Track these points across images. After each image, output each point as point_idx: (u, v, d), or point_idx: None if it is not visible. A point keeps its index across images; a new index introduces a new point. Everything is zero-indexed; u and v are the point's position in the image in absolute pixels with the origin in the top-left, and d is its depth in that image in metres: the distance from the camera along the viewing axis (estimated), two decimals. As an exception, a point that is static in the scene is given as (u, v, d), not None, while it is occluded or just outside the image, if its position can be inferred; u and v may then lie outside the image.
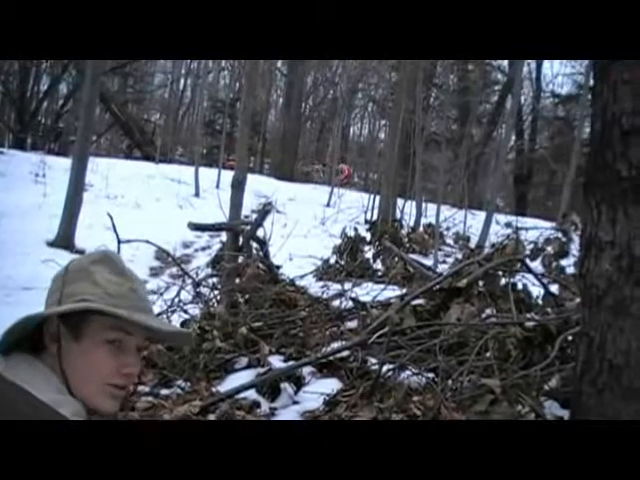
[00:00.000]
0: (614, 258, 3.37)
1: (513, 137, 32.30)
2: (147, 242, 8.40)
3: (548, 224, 17.93)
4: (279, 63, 42.38)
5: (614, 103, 3.32)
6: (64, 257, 10.82)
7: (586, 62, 26.93)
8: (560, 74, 39.90)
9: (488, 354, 4.91)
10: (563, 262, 10.65)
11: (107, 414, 1.57)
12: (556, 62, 38.36)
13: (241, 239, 8.14)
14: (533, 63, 35.50)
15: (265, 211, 8.63)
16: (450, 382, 4.62)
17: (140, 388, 5.16)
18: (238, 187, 8.55)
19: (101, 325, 1.51)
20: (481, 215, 20.15)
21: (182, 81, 45.69)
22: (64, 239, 12.37)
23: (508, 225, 20.20)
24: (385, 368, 4.93)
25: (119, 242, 7.30)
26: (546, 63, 37.36)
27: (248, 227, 8.33)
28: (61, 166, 18.23)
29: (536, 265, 10.31)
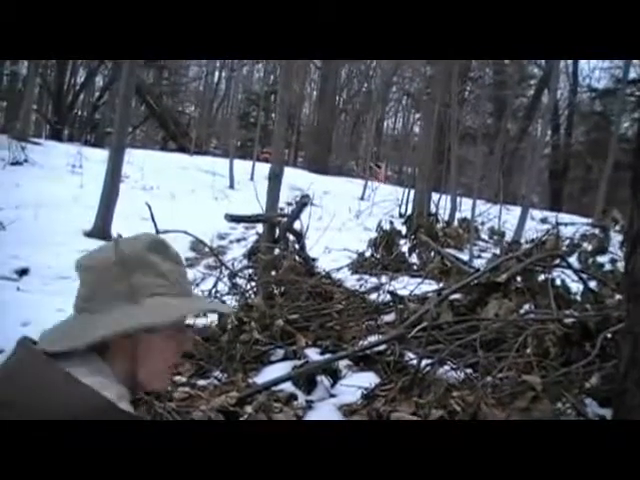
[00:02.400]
0: (661, 255, 3.32)
1: (549, 132, 32.00)
2: (185, 233, 8.44)
3: (583, 220, 17.77)
4: (313, 56, 42.41)
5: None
6: (101, 247, 10.94)
7: (624, 56, 26.53)
8: (597, 68, 39.47)
9: (528, 351, 4.86)
10: (600, 259, 10.54)
11: (162, 390, 1.63)
12: (593, 56, 37.91)
13: (277, 231, 8.15)
14: (570, 57, 35.15)
15: (302, 203, 8.63)
16: (490, 378, 4.59)
17: (177, 378, 5.18)
18: (275, 179, 8.56)
19: None
20: (516, 210, 19.99)
21: (217, 74, 45.90)
22: (101, 230, 12.46)
23: (544, 221, 20.07)
24: (423, 363, 4.90)
25: (157, 232, 7.33)
26: (583, 57, 36.95)
27: (285, 219, 8.34)
28: (97, 157, 18.40)
29: (572, 261, 10.22)
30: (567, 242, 11.60)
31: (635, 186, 3.53)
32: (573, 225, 12.18)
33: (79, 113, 37.97)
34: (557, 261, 6.69)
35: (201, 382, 5.29)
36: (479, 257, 14.00)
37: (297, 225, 8.32)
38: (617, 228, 11.14)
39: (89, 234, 12.38)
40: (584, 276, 6.53)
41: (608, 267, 9.61)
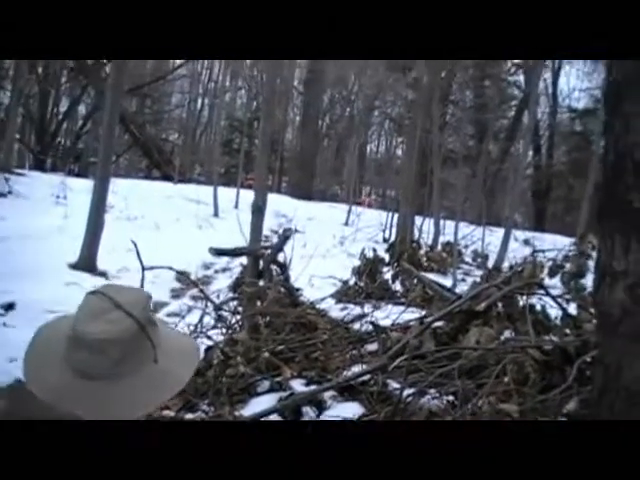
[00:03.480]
0: (628, 287, 3.43)
1: (530, 153, 32.30)
2: (170, 269, 8.51)
3: (567, 240, 17.96)
4: (296, 81, 42.62)
5: (626, 135, 3.40)
6: (87, 280, 10.97)
7: (603, 76, 26.94)
8: (577, 89, 39.92)
9: (506, 379, 4.97)
10: (583, 280, 10.65)
11: None
12: (572, 76, 38.46)
13: (262, 263, 8.23)
14: (550, 78, 35.60)
15: (285, 236, 8.72)
16: (469, 406, 4.68)
17: (165, 413, 5.24)
18: (258, 212, 8.64)
19: None
20: (499, 231, 20.16)
21: (199, 101, 46.03)
22: (86, 262, 12.44)
23: (526, 242, 20.22)
24: (405, 393, 5.00)
25: (143, 269, 7.39)
26: (562, 78, 37.44)
27: (268, 251, 8.42)
28: (82, 187, 18.38)
29: (555, 282, 10.35)
30: (550, 263, 11.74)
31: (601, 220, 3.66)
32: (553, 250, 12.34)
33: (62, 142, 37.90)
34: (536, 288, 6.82)
35: (189, 416, 5.36)
36: (463, 280, 14.12)
37: (281, 256, 8.40)
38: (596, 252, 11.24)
39: (75, 266, 12.36)
40: (562, 302, 6.66)
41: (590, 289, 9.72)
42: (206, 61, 43.14)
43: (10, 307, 9.71)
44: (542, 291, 6.72)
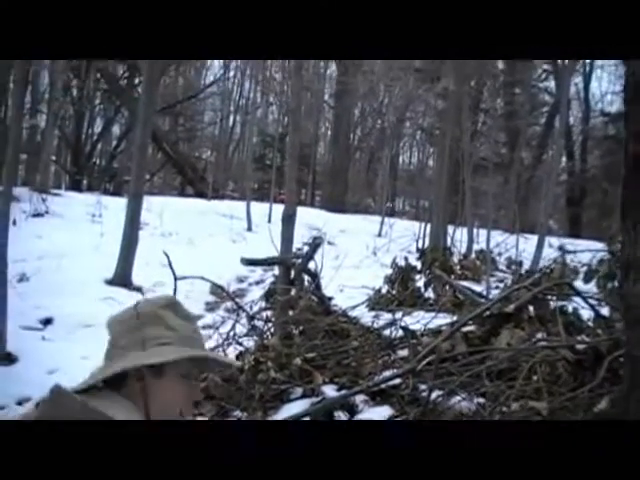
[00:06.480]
0: (652, 279, 3.44)
1: (564, 158, 32.06)
2: (202, 278, 8.61)
3: (601, 245, 17.73)
4: (326, 96, 42.77)
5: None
6: (122, 295, 11.13)
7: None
8: (609, 92, 39.54)
9: (535, 377, 4.97)
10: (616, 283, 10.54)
11: None
12: (604, 80, 38.12)
13: (293, 272, 8.30)
14: (581, 83, 35.36)
15: (315, 244, 8.78)
16: (497, 406, 4.70)
17: (199, 419, 5.32)
18: (289, 221, 8.72)
19: (180, 364, 1.76)
20: (533, 239, 20.00)
21: (231, 118, 46.33)
22: (122, 277, 12.63)
23: (561, 248, 20.04)
24: (435, 394, 5.02)
25: (175, 279, 7.50)
26: (594, 82, 37.14)
27: (300, 260, 8.49)
28: (117, 206, 18.61)
29: (591, 287, 10.27)
30: (585, 268, 11.61)
31: (624, 213, 3.67)
32: (586, 252, 12.21)
33: (97, 162, 38.45)
34: (567, 289, 6.80)
35: (222, 422, 5.44)
36: (497, 288, 14.02)
37: (312, 265, 8.46)
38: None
39: (110, 282, 12.55)
40: (593, 302, 6.63)
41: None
42: (237, 78, 43.55)
43: (48, 322, 9.90)
44: (572, 292, 6.70)
